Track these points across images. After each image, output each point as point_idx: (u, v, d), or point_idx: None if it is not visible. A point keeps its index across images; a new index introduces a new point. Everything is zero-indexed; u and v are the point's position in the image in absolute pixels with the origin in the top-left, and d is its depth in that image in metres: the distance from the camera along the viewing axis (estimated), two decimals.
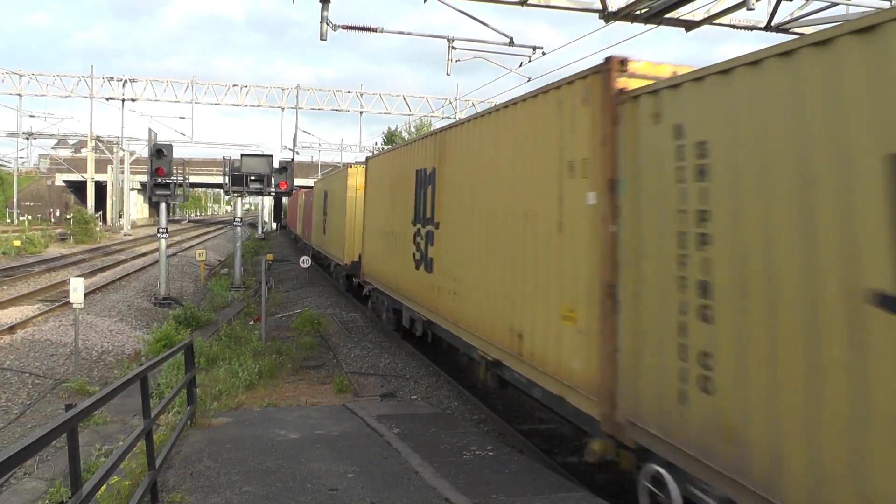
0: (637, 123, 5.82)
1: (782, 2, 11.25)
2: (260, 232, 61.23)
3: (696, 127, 5.08)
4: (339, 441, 8.07)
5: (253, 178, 23.86)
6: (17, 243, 33.54)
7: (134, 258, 34.10)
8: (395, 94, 53.93)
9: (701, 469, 4.86)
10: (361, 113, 54.06)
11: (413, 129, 64.53)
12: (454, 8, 12.22)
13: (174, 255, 35.04)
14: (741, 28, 11.92)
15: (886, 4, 11.31)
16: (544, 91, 7.65)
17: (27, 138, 60.25)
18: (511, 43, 14.43)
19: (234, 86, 52.85)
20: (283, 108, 54.20)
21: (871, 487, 3.66)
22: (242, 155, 24.74)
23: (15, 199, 63.16)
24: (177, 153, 21.85)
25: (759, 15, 11.67)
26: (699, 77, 5.09)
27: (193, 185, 76.44)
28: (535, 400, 8.09)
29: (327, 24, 12.46)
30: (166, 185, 21.19)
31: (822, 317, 3.95)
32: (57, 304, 19.03)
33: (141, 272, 27.97)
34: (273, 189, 24.33)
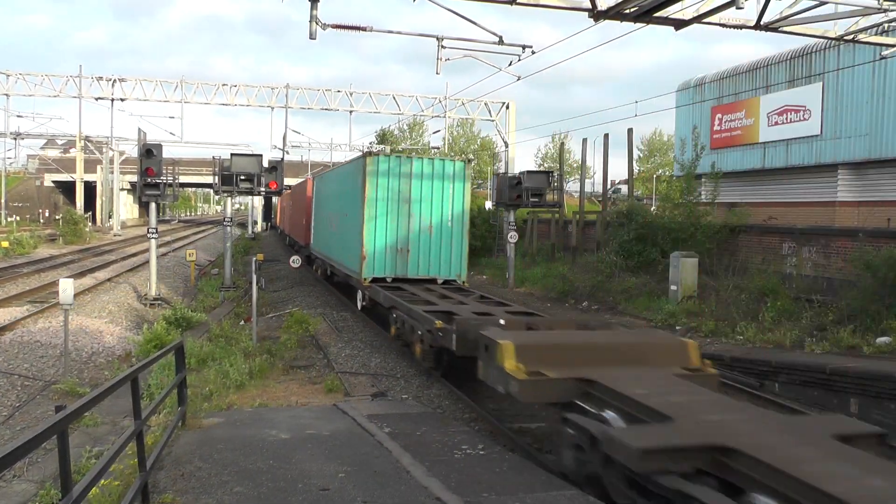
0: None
1: (771, 0, 11.30)
2: (250, 232, 60.90)
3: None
4: (330, 441, 8.07)
5: (243, 177, 23.70)
6: (5, 244, 33.27)
7: (124, 258, 33.93)
8: (385, 94, 53.69)
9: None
10: (351, 112, 53.92)
11: (405, 127, 64.56)
12: (444, 7, 12.24)
13: (164, 255, 34.92)
14: (731, 27, 11.96)
15: (873, 2, 11.38)
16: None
17: (15, 138, 59.71)
18: (500, 42, 14.48)
19: (224, 85, 52.57)
20: (272, 108, 53.99)
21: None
22: (232, 154, 24.57)
23: (3, 200, 62.62)
24: (167, 153, 21.69)
25: (749, 14, 11.70)
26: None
27: (183, 185, 75.97)
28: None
29: (317, 24, 12.50)
30: (156, 185, 21.08)
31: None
32: (46, 305, 18.94)
33: (131, 273, 27.85)
34: (263, 189, 24.26)
